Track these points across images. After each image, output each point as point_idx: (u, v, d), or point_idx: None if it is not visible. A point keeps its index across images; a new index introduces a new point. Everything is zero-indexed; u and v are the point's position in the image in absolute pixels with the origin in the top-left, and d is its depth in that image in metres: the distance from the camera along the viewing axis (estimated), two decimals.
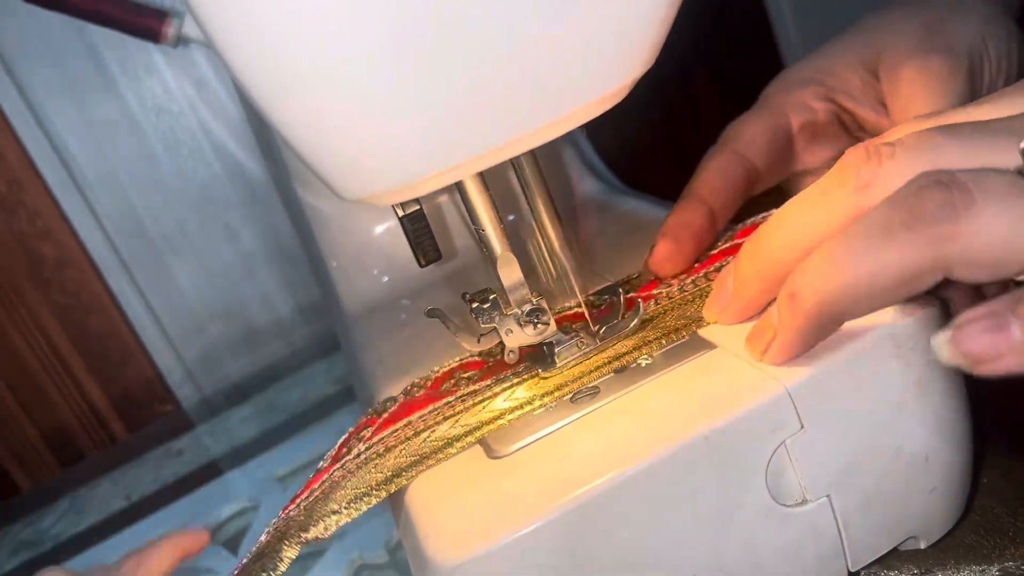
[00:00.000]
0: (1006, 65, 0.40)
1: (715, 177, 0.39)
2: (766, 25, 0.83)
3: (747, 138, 0.41)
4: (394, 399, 0.36)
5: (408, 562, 0.32)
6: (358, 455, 0.32)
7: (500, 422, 0.31)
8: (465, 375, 0.36)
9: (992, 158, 0.24)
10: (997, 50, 0.39)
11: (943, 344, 0.23)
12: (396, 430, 0.33)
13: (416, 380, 0.37)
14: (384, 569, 0.46)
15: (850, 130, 0.43)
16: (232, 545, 0.53)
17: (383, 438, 0.33)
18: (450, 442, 0.31)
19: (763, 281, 0.29)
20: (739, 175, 0.39)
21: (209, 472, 0.64)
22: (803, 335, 0.27)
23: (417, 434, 0.32)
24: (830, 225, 0.26)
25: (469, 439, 0.31)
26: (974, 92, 0.38)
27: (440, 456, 0.31)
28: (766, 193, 0.43)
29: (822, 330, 0.26)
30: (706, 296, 0.33)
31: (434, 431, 0.32)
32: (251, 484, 0.59)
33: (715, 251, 0.37)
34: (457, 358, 0.37)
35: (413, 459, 0.31)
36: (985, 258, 0.23)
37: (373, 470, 0.31)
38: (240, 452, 0.65)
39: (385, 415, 0.34)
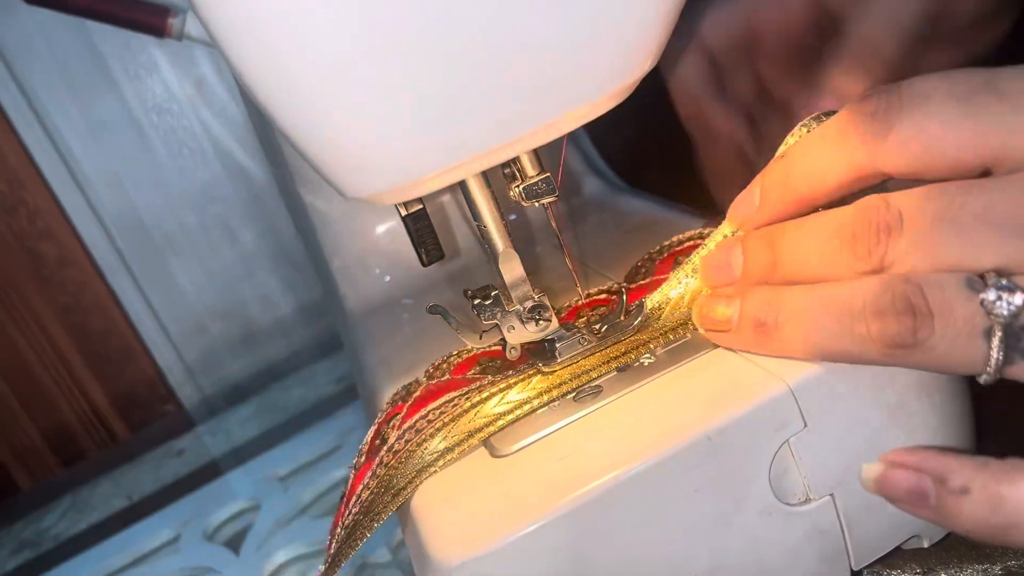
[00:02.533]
0: None
1: (690, 68, 0.42)
2: None
3: (708, 25, 0.43)
4: (417, 382, 0.36)
5: (411, 561, 0.31)
6: (400, 438, 0.32)
7: (508, 419, 0.31)
8: (491, 363, 0.36)
9: (1002, 137, 0.24)
10: None
11: (870, 479, 0.25)
12: (432, 409, 0.33)
13: (437, 362, 0.37)
14: (387, 568, 0.46)
15: (821, 29, 0.43)
16: (232, 545, 0.53)
17: (424, 415, 0.33)
18: (472, 433, 0.31)
19: (786, 206, 0.30)
20: (703, 65, 0.43)
21: (210, 472, 0.64)
22: (752, 350, 0.30)
23: (463, 412, 0.32)
24: (850, 167, 0.27)
25: (473, 440, 0.31)
26: None
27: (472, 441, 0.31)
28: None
29: (770, 355, 0.29)
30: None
31: (479, 410, 0.32)
32: (252, 484, 0.59)
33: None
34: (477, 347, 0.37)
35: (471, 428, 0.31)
36: (933, 370, 0.26)
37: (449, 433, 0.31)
38: (241, 452, 0.65)
39: (411, 401, 0.34)
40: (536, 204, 0.33)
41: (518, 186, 0.33)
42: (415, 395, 0.34)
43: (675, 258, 0.37)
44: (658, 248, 0.39)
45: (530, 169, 0.33)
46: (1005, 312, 0.23)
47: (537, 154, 0.33)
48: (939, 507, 0.23)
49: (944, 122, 0.25)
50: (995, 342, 0.23)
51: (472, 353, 0.37)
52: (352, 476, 0.32)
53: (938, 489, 0.23)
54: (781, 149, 0.30)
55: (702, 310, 0.31)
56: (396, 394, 0.36)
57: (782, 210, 0.29)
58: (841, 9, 0.42)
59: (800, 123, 0.30)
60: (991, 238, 0.24)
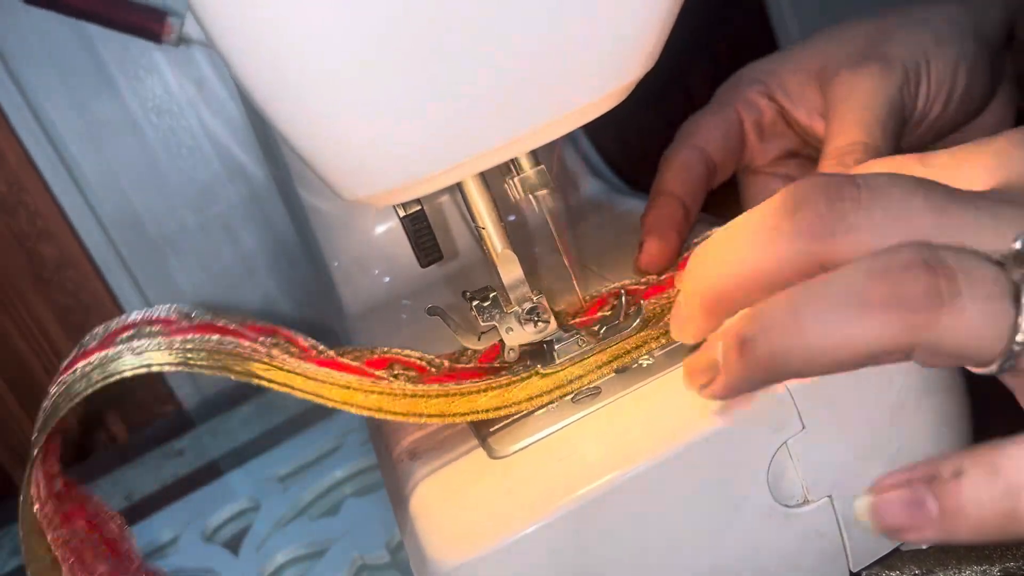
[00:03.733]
0: (947, 89, 0.40)
1: (680, 172, 0.42)
2: (766, 26, 0.83)
3: (704, 134, 0.43)
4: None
5: (409, 562, 0.32)
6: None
7: (496, 413, 0.31)
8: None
9: (969, 237, 0.23)
10: (940, 72, 0.40)
11: (864, 514, 0.22)
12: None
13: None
14: (385, 569, 0.46)
15: (794, 129, 0.45)
16: (232, 545, 0.53)
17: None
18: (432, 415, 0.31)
19: (705, 310, 0.27)
20: (701, 169, 0.42)
21: (209, 472, 0.64)
22: (750, 383, 0.25)
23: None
24: (780, 270, 0.24)
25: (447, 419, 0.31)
26: (904, 107, 0.39)
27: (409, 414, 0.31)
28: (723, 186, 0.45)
29: (769, 381, 0.24)
30: None
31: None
32: (252, 484, 0.59)
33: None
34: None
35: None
36: (952, 350, 0.22)
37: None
38: (240, 452, 0.65)
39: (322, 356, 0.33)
40: (531, 196, 0.33)
41: (513, 178, 0.33)
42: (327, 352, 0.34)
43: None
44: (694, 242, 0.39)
45: (525, 162, 0.33)
46: None
47: (535, 152, 0.33)
48: (940, 509, 0.21)
49: (912, 228, 0.23)
50: None
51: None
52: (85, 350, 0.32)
53: (932, 487, 0.21)
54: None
55: (687, 371, 0.27)
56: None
57: (762, 386, 0.25)
58: (793, 108, 0.44)
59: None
60: (966, 214, 0.23)
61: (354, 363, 0.33)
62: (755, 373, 0.24)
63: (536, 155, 0.33)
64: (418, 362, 0.35)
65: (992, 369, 0.22)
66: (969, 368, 0.23)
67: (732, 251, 0.25)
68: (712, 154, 0.43)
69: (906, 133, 0.40)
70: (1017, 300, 0.21)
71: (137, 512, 0.62)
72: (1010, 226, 0.23)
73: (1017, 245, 0.22)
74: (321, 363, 0.32)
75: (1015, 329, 0.21)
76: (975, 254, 0.22)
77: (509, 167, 0.33)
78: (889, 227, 0.23)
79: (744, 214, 0.26)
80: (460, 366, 0.35)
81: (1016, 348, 0.21)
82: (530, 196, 0.33)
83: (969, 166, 0.26)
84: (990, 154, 0.26)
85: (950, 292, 0.21)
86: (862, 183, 0.24)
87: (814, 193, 0.24)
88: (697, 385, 0.26)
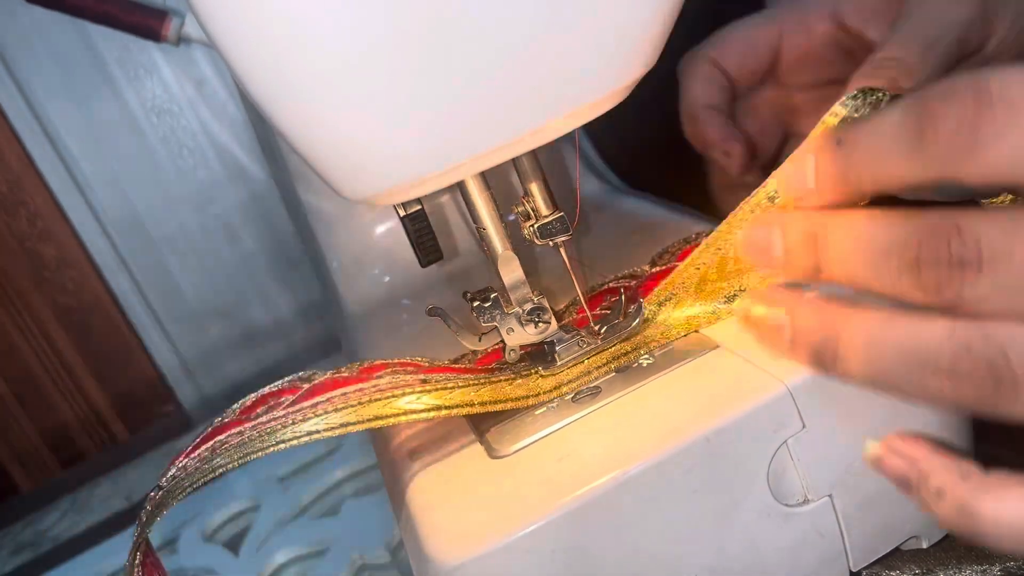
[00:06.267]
0: (1016, 47, 0.39)
1: (705, 85, 0.42)
2: None
3: (724, 47, 0.43)
4: (318, 373, 0.34)
5: (409, 562, 0.32)
6: (283, 415, 0.31)
7: (487, 408, 0.31)
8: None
9: None
10: (1014, 25, 0.38)
11: (868, 457, 0.25)
12: (336, 396, 0.32)
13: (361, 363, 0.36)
14: (386, 569, 0.46)
15: (849, 53, 0.42)
16: (232, 545, 0.53)
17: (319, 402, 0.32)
18: (407, 413, 0.31)
19: (842, 198, 0.26)
20: (722, 80, 0.42)
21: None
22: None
23: (372, 401, 0.31)
24: (926, 175, 0.23)
25: (435, 413, 0.31)
26: (969, 42, 0.37)
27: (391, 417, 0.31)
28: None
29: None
30: (705, 287, 0.33)
31: (395, 401, 0.31)
32: (251, 484, 0.59)
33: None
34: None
35: (368, 416, 0.31)
36: None
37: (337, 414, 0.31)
38: None
39: (308, 387, 0.33)
40: (550, 243, 0.34)
41: (532, 225, 0.33)
42: (314, 382, 0.33)
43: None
44: (695, 235, 0.39)
45: (544, 208, 0.34)
46: None
47: (551, 192, 0.34)
48: (920, 500, 0.24)
49: None
50: None
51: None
52: (216, 426, 0.32)
53: (919, 484, 0.23)
54: (829, 120, 0.26)
55: (747, 312, 0.27)
56: (297, 378, 0.35)
57: (836, 200, 0.25)
58: (865, 29, 0.41)
59: (846, 96, 0.26)
60: None
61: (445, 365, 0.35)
62: (815, 369, 0.25)
63: (552, 194, 0.34)
64: (420, 362, 0.35)
65: None
66: None
67: (873, 147, 0.24)
68: (728, 69, 0.42)
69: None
70: None
71: (137, 512, 0.62)
72: None
73: None
74: (434, 371, 0.33)
75: None
76: None
77: (528, 211, 0.34)
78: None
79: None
80: (459, 367, 0.35)
81: None
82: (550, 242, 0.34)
83: None
84: None
85: (1006, 402, 0.21)
86: (996, 94, 0.22)
87: (949, 103, 0.22)
88: (751, 331, 0.26)
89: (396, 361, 0.34)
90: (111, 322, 0.79)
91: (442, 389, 0.32)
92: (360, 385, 0.32)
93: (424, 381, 0.32)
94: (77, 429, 0.80)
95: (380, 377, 0.33)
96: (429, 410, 0.31)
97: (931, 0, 0.38)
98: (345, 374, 0.33)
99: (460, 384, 0.32)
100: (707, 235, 0.38)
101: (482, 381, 0.33)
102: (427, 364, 0.35)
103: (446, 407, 0.31)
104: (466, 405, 0.31)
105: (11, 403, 0.78)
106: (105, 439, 0.81)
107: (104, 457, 0.78)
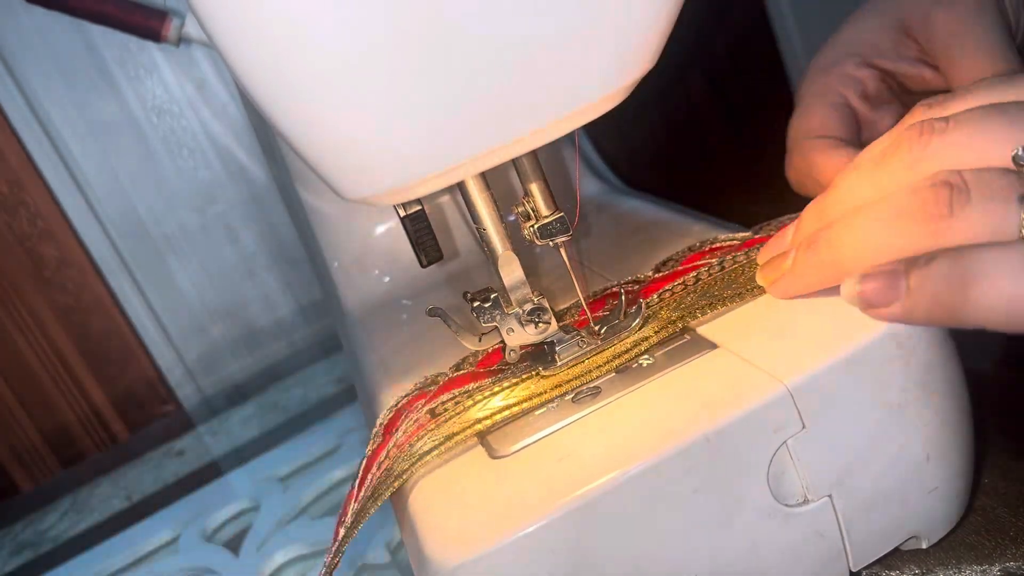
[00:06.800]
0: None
1: (823, 113, 0.40)
2: (766, 26, 0.83)
3: (820, 126, 0.39)
4: (444, 374, 0.36)
5: (409, 563, 0.32)
6: (405, 431, 0.33)
7: (496, 418, 0.31)
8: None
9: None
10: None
11: (851, 284, 0.27)
12: (440, 404, 0.34)
13: (467, 357, 0.37)
14: (385, 569, 0.46)
15: (898, 92, 0.41)
16: (232, 545, 0.53)
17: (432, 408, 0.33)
18: (450, 436, 0.31)
19: (824, 282, 0.30)
20: (841, 112, 0.40)
21: (210, 472, 0.64)
22: (807, 283, 0.30)
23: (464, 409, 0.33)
24: (910, 250, 0.27)
25: (462, 436, 0.31)
26: (1010, 24, 0.37)
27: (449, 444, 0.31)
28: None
29: (824, 282, 0.30)
30: (706, 291, 0.33)
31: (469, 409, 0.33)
32: (252, 484, 0.59)
33: (710, 247, 0.38)
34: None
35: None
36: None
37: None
38: (241, 452, 0.65)
39: (435, 388, 0.35)
40: (551, 244, 0.34)
41: (532, 225, 0.34)
42: (441, 383, 0.35)
43: (709, 254, 0.37)
44: (699, 243, 0.39)
45: (544, 208, 0.34)
46: None
47: (551, 192, 0.34)
48: (908, 286, 0.26)
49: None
50: None
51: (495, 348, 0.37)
52: (364, 461, 0.33)
53: (908, 266, 0.26)
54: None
55: (762, 271, 0.33)
56: (421, 384, 0.36)
57: (817, 285, 0.30)
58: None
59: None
60: None
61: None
62: (815, 272, 0.30)
63: (552, 194, 0.34)
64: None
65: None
66: None
67: (845, 186, 0.30)
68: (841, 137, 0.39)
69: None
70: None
71: (137, 512, 0.62)
72: None
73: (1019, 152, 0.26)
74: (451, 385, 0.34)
75: (1021, 225, 0.25)
76: (998, 169, 0.26)
77: (528, 212, 0.34)
78: (965, 144, 0.27)
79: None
80: (459, 374, 0.35)
81: None
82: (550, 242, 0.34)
83: None
84: None
85: (959, 204, 0.25)
86: (950, 117, 0.28)
87: (909, 129, 0.28)
88: (767, 282, 0.32)
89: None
90: (111, 322, 0.79)
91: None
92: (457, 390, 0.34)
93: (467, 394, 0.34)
94: (77, 429, 0.80)
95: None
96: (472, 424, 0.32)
97: (956, 11, 0.38)
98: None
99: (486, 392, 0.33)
100: (712, 244, 0.38)
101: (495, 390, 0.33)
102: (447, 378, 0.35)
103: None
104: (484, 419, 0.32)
105: (11, 403, 0.78)
106: (105, 439, 0.81)
107: (104, 457, 0.78)
